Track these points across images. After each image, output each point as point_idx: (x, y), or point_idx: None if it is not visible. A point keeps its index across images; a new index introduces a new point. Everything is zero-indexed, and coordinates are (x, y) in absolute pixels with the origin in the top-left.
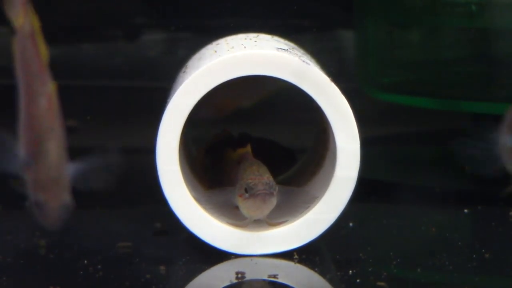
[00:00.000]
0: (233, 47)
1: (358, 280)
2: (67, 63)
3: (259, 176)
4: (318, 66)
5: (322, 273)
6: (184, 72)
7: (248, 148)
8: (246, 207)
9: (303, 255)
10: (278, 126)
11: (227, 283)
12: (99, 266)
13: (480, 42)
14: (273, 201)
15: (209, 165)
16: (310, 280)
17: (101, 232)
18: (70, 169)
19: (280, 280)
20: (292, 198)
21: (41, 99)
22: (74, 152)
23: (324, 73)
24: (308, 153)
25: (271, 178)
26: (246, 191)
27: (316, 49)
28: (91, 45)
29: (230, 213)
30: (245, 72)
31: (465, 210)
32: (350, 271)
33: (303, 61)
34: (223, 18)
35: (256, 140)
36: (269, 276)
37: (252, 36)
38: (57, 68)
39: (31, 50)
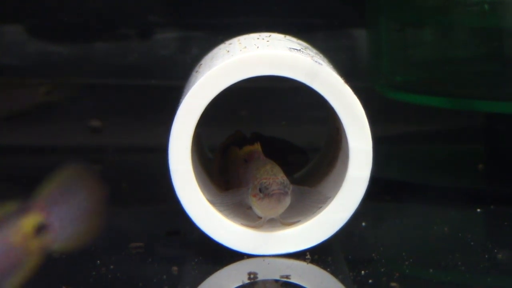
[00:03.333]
0: (245, 47)
1: (370, 281)
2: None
3: (273, 175)
4: (331, 66)
5: (335, 273)
6: (196, 71)
7: (257, 147)
8: (260, 206)
9: (316, 255)
10: (290, 126)
11: (240, 283)
12: (112, 267)
13: (492, 41)
14: (288, 201)
15: (222, 166)
16: (323, 281)
17: (114, 232)
18: None
19: (292, 280)
20: (305, 198)
21: None
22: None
23: (336, 73)
24: (321, 153)
25: (285, 178)
26: (260, 191)
27: (328, 47)
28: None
29: (244, 214)
30: (258, 72)
31: (478, 210)
32: (363, 272)
33: (316, 61)
34: (236, 17)
35: (269, 140)
36: (282, 276)
37: (264, 35)
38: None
39: None
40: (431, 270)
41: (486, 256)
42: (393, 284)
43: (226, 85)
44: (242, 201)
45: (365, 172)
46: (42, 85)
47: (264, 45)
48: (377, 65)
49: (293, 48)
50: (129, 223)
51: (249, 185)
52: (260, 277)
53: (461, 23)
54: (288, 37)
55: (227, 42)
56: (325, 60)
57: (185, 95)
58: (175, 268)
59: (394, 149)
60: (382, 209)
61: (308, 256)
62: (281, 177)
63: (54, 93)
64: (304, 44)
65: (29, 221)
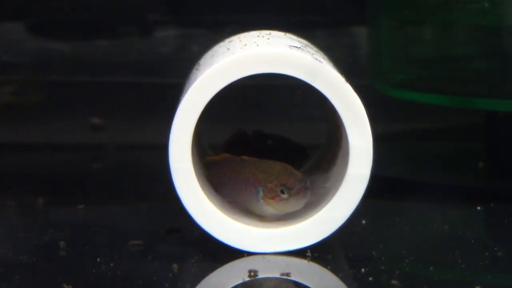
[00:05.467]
0: (245, 44)
1: (370, 278)
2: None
3: (291, 175)
4: (331, 64)
5: (335, 271)
6: (197, 69)
7: (224, 155)
8: (283, 206)
9: (316, 253)
10: (291, 123)
11: (240, 281)
12: (112, 264)
13: (493, 39)
14: (309, 194)
15: None
16: (323, 278)
17: (114, 230)
18: None
19: (293, 278)
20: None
21: None
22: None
23: (337, 71)
24: (321, 151)
25: (300, 174)
26: (282, 192)
27: (328, 45)
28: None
29: (244, 212)
30: (258, 70)
31: (478, 208)
32: (363, 269)
33: (316, 59)
34: (236, 14)
35: (270, 137)
36: (282, 274)
37: (265, 33)
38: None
39: None
40: (431, 268)
41: (486, 253)
42: (393, 281)
43: (226, 83)
44: (247, 208)
45: (365, 170)
46: (8, 84)
47: (265, 43)
48: (377, 63)
49: (293, 46)
50: (129, 220)
51: (245, 189)
52: (261, 274)
53: (462, 21)
54: (288, 34)
55: (227, 40)
56: (326, 57)
57: (185, 93)
58: (175, 266)
59: (395, 147)
60: (382, 207)
61: (309, 254)
62: (298, 174)
63: (21, 93)
64: (305, 41)
65: None
